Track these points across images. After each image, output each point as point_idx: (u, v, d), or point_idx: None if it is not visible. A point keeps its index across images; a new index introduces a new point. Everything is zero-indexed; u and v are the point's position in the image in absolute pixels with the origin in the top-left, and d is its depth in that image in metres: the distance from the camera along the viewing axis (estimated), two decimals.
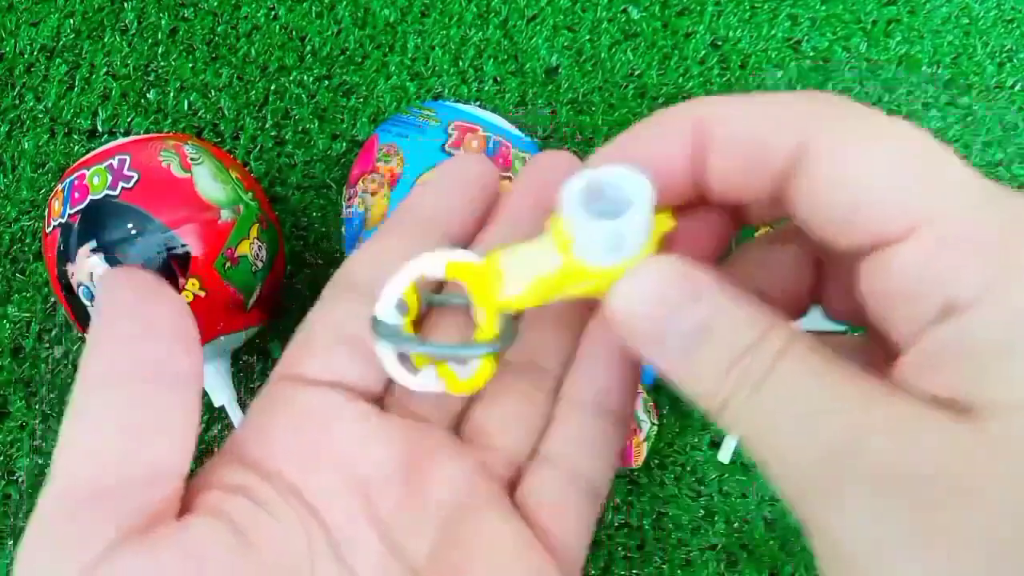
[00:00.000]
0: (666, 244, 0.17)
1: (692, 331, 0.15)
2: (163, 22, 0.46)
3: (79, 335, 0.41)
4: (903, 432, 0.13)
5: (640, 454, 0.37)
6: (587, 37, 0.46)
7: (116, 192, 0.33)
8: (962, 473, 0.13)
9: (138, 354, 0.16)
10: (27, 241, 0.43)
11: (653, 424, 0.38)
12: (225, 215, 0.34)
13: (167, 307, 0.17)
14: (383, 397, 0.20)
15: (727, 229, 0.19)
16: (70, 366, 0.41)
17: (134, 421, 0.16)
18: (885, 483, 0.13)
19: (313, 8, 0.46)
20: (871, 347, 0.18)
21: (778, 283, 0.19)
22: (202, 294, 0.33)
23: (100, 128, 0.44)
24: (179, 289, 0.33)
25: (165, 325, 0.17)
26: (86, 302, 0.34)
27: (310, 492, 0.18)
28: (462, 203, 0.21)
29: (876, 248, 0.14)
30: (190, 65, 0.45)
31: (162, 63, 0.45)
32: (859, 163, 0.14)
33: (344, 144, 0.44)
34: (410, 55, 0.45)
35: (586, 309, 0.21)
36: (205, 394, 0.37)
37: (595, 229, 0.15)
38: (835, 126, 0.15)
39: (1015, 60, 0.45)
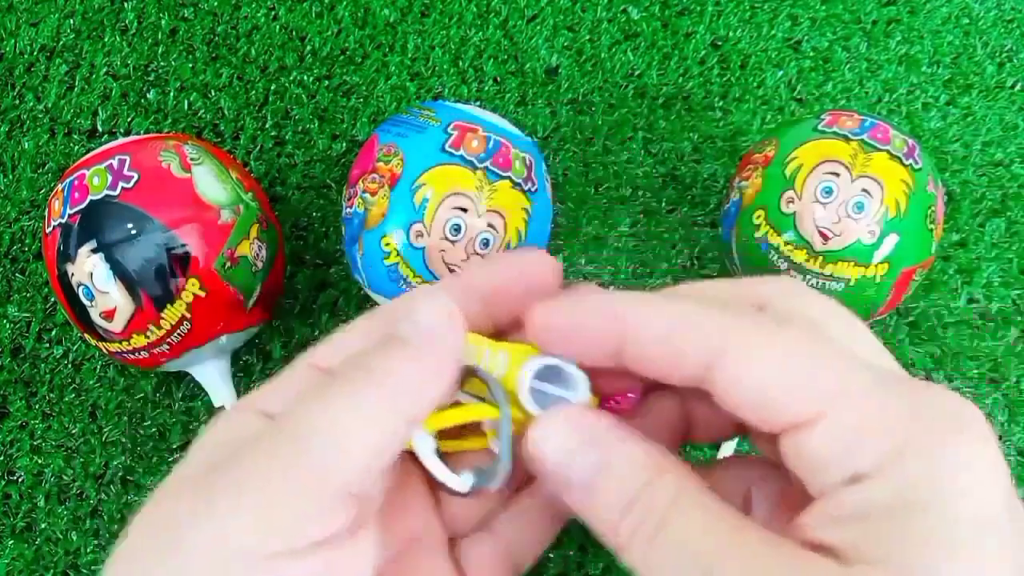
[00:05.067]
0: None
1: (590, 471, 0.18)
2: (163, 22, 0.46)
3: (79, 335, 0.41)
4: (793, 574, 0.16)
5: None
6: (587, 37, 0.46)
7: (116, 192, 0.33)
8: None
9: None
10: (27, 241, 0.43)
11: None
12: (225, 215, 0.34)
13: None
14: None
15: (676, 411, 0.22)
16: (70, 366, 0.41)
17: None
18: None
19: (313, 8, 0.46)
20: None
21: (708, 420, 0.22)
22: (202, 294, 0.33)
23: (100, 128, 0.44)
24: (179, 289, 0.33)
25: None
26: (86, 302, 0.34)
27: None
28: (508, 283, 0.22)
29: (788, 431, 0.17)
30: (190, 65, 0.45)
31: (162, 63, 0.45)
32: (759, 368, 0.17)
33: (344, 144, 0.44)
34: (410, 55, 0.45)
35: None
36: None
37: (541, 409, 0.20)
38: (739, 337, 0.18)
39: (1015, 60, 0.45)
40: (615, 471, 0.18)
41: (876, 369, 0.18)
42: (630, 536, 0.17)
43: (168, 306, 0.33)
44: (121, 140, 0.36)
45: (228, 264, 0.34)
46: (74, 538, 0.39)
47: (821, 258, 0.34)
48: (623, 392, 0.21)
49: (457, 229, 0.33)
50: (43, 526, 0.39)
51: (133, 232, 0.33)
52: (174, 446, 0.40)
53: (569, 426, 0.19)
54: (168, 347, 0.34)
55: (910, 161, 0.35)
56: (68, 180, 0.34)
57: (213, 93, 0.45)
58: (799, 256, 0.35)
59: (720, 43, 0.46)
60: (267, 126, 0.44)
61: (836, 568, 0.16)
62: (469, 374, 0.21)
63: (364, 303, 0.41)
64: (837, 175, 0.34)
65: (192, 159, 0.35)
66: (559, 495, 0.19)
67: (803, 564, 0.16)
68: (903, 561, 0.15)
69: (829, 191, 0.34)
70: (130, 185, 0.33)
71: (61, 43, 0.46)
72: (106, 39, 0.46)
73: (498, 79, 0.45)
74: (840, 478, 0.17)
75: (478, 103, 0.44)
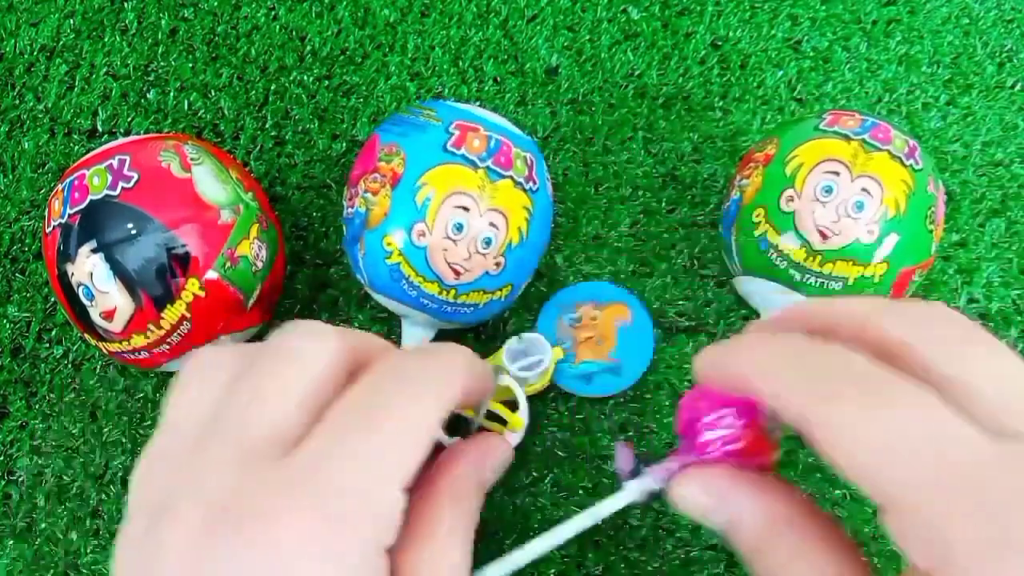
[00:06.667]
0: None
1: (725, 525, 0.22)
2: (163, 22, 0.46)
3: (79, 335, 0.41)
4: None
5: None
6: (587, 37, 0.46)
7: (116, 192, 0.33)
8: None
9: None
10: (27, 241, 0.43)
11: None
12: (225, 215, 0.34)
13: None
14: None
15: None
16: (70, 366, 0.41)
17: None
18: None
19: (313, 8, 0.46)
20: None
21: None
22: (202, 294, 0.33)
23: (100, 128, 0.44)
24: (179, 289, 0.33)
25: None
26: (86, 302, 0.34)
27: None
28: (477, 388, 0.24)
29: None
30: (190, 65, 0.45)
31: (162, 63, 0.45)
32: (839, 448, 0.18)
33: (344, 144, 0.44)
34: (410, 55, 0.45)
35: None
36: None
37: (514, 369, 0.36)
38: (820, 407, 0.18)
39: (1015, 60, 0.45)
40: (744, 527, 0.21)
41: (960, 471, 0.17)
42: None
43: (168, 306, 0.33)
44: (121, 140, 0.36)
45: (228, 264, 0.34)
46: (74, 538, 0.39)
47: (820, 257, 0.34)
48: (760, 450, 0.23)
49: (459, 228, 0.33)
50: (43, 526, 0.39)
51: (133, 232, 0.33)
52: None
53: (701, 488, 0.22)
54: (168, 347, 0.34)
55: (911, 161, 0.35)
56: (68, 180, 0.34)
57: (213, 93, 0.45)
58: (798, 255, 0.35)
59: (720, 43, 0.46)
60: (267, 126, 0.44)
61: None
62: None
63: (364, 303, 0.41)
64: (837, 174, 0.34)
65: (192, 159, 0.35)
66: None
67: None
68: None
69: (829, 190, 0.34)
70: (130, 185, 0.33)
71: (61, 43, 0.46)
72: (106, 39, 0.46)
73: (498, 79, 0.45)
74: (911, 568, 0.17)
75: (478, 103, 0.44)
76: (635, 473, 0.25)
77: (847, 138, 0.35)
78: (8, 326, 0.42)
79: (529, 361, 0.37)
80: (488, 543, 0.38)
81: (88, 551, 0.38)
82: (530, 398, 0.38)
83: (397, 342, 0.38)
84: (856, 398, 0.18)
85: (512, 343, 0.37)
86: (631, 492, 0.25)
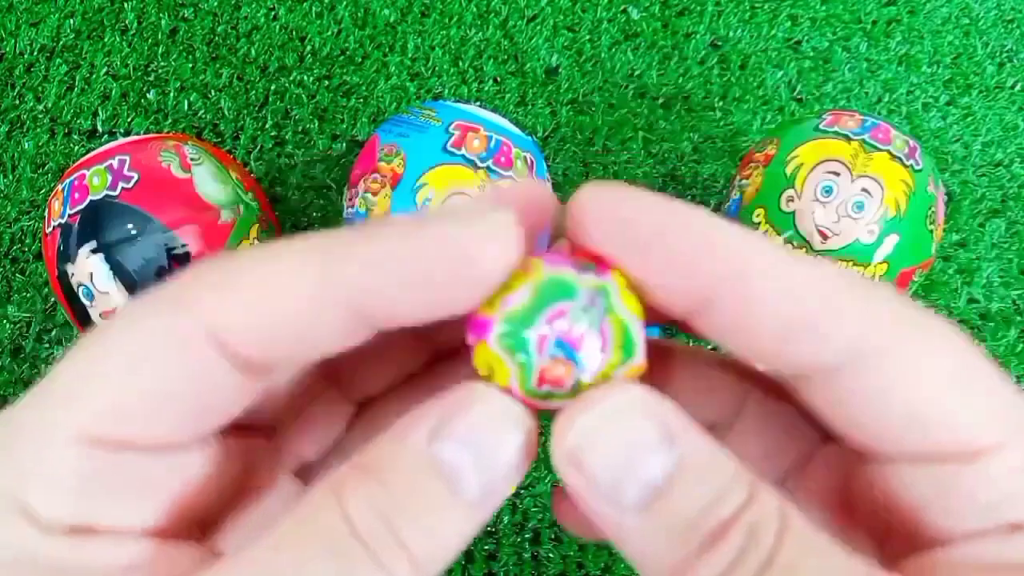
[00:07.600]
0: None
1: (655, 482, 0.12)
2: (163, 22, 0.46)
3: (79, 335, 0.41)
4: None
5: None
6: (587, 37, 0.46)
7: (116, 192, 0.33)
8: None
9: None
10: (27, 241, 0.43)
11: None
12: (225, 215, 0.34)
13: None
14: None
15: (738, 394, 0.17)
16: None
17: None
18: None
19: (313, 8, 0.46)
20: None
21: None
22: None
23: (100, 128, 0.44)
24: None
25: None
26: (86, 302, 0.34)
27: None
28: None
29: (931, 460, 0.13)
30: (190, 65, 0.45)
31: (162, 63, 0.45)
32: (931, 372, 0.13)
33: (344, 144, 0.44)
34: (410, 55, 0.45)
35: None
36: None
37: None
38: (901, 326, 0.13)
39: (1015, 60, 0.45)
40: (690, 486, 0.12)
41: None
42: None
43: None
44: (121, 140, 0.36)
45: None
46: None
47: (820, 257, 0.34)
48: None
49: None
50: None
51: (133, 232, 0.33)
52: None
53: (637, 410, 0.12)
54: None
55: (911, 162, 0.35)
56: (68, 180, 0.34)
57: (213, 93, 0.45)
58: None
59: (720, 43, 0.46)
60: (267, 126, 0.44)
61: None
62: None
63: None
64: (837, 175, 0.34)
65: (192, 159, 0.35)
66: (601, 522, 0.13)
67: None
68: None
69: (829, 190, 0.34)
70: (130, 185, 0.33)
71: (61, 43, 0.46)
72: (106, 39, 0.46)
73: (498, 79, 0.45)
74: (995, 524, 0.13)
75: (478, 103, 0.44)
76: None
77: (847, 138, 0.35)
78: (8, 326, 0.42)
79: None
80: (488, 543, 0.38)
81: None
82: None
83: None
84: (925, 335, 0.13)
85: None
86: None
